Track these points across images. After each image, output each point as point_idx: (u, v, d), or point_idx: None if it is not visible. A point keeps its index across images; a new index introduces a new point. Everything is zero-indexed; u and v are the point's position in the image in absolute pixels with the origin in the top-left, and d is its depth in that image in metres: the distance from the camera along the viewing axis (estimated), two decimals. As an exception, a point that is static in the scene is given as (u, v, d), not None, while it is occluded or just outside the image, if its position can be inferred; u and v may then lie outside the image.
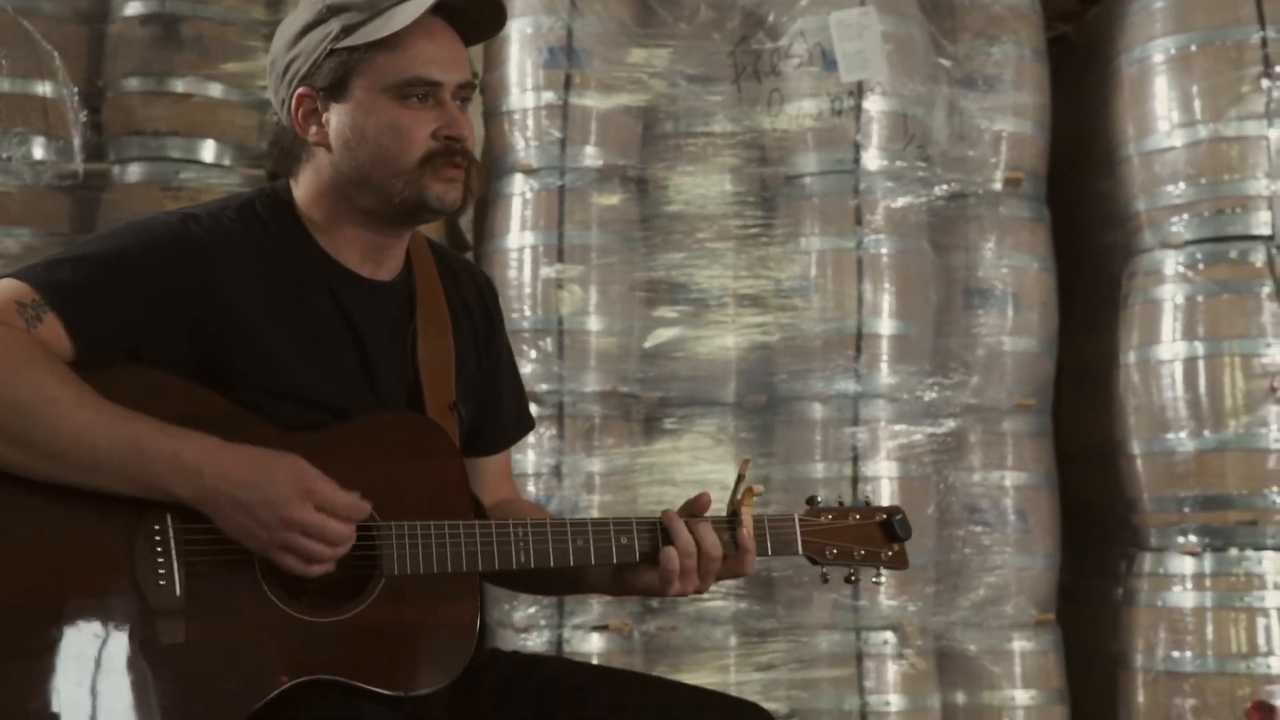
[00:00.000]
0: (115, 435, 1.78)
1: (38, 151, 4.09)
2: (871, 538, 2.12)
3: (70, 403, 1.78)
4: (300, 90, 2.00)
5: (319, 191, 2.04)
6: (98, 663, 1.78)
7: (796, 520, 2.10)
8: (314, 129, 2.01)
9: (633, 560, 2.01)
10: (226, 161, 4.15)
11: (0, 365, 1.77)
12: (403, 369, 2.07)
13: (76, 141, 4.13)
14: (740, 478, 2.06)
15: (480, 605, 1.97)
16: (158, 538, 1.81)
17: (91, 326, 1.85)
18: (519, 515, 2.14)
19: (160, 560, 1.81)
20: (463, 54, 2.04)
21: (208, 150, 4.15)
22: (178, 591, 1.81)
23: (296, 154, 2.05)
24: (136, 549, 1.81)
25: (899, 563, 2.13)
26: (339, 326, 2.01)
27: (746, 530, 2.03)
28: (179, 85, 4.12)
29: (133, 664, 1.79)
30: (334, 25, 1.97)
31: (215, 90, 4.13)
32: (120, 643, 1.79)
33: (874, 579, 2.14)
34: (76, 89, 4.14)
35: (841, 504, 2.14)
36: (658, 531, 2.01)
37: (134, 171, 4.15)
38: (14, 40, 4.05)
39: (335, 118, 1.99)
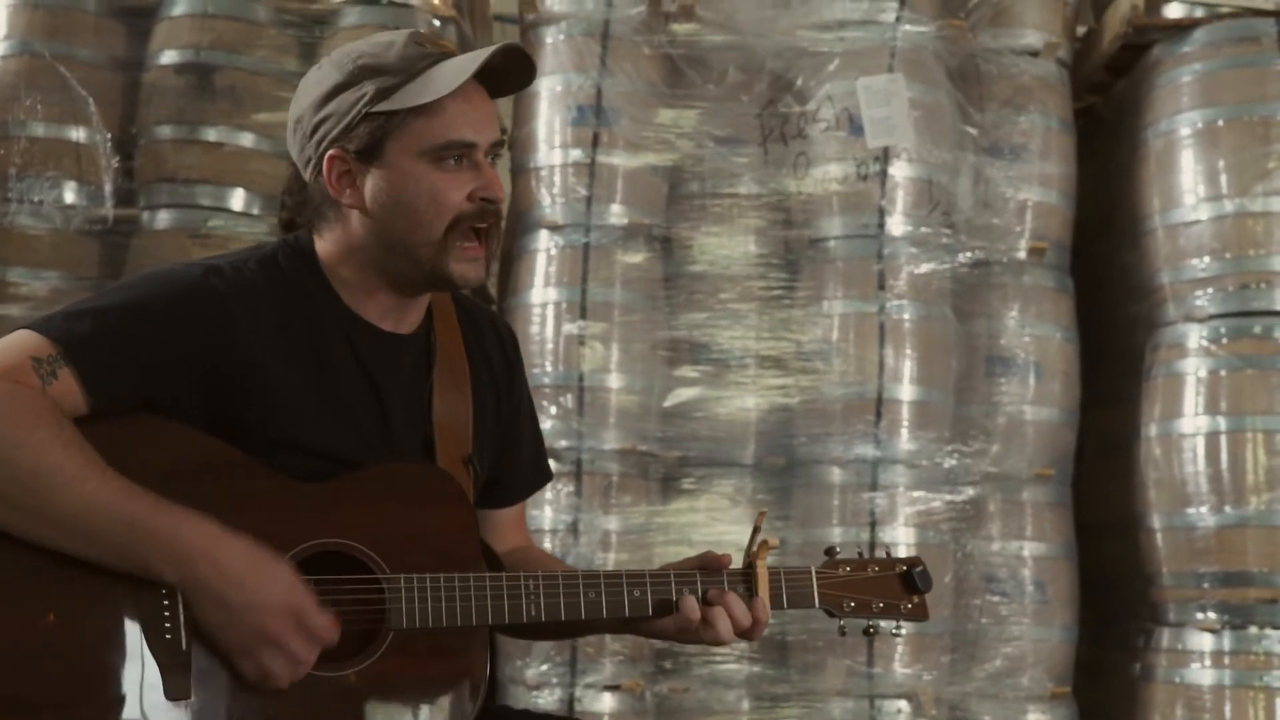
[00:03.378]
0: (114, 509, 1.77)
1: (69, 196, 4.13)
2: (890, 590, 2.09)
3: (73, 471, 1.77)
4: (332, 152, 1.98)
5: (347, 250, 2.02)
6: (101, 717, 1.77)
7: (813, 573, 2.08)
8: (348, 192, 1.99)
9: (645, 614, 2.01)
10: (255, 210, 4.19)
11: (7, 426, 1.76)
12: (419, 422, 2.06)
13: (108, 187, 4.17)
14: (756, 530, 2.04)
15: (490, 658, 1.95)
16: (164, 591, 1.81)
17: (108, 381, 1.85)
18: (532, 565, 2.13)
19: (166, 614, 1.80)
20: (494, 112, 2.03)
21: (237, 199, 4.19)
22: (184, 646, 1.80)
23: (324, 212, 2.03)
24: (143, 604, 1.80)
25: (919, 614, 2.09)
26: (357, 379, 2.01)
27: (762, 600, 2.02)
28: (211, 134, 4.17)
29: (139, 719, 1.78)
30: (368, 88, 1.95)
31: (247, 140, 4.18)
32: (126, 698, 1.78)
33: (893, 631, 2.11)
34: (110, 135, 4.19)
35: (860, 555, 2.11)
36: (671, 585, 2.00)
37: (164, 218, 4.19)
38: (50, 85, 4.11)
39: (370, 181, 1.97)
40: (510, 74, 2.04)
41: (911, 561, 2.11)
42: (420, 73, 1.96)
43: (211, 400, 1.91)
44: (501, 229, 2.04)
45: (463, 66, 1.95)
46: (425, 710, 1.89)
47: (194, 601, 1.79)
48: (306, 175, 2.04)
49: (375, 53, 1.98)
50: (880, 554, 2.15)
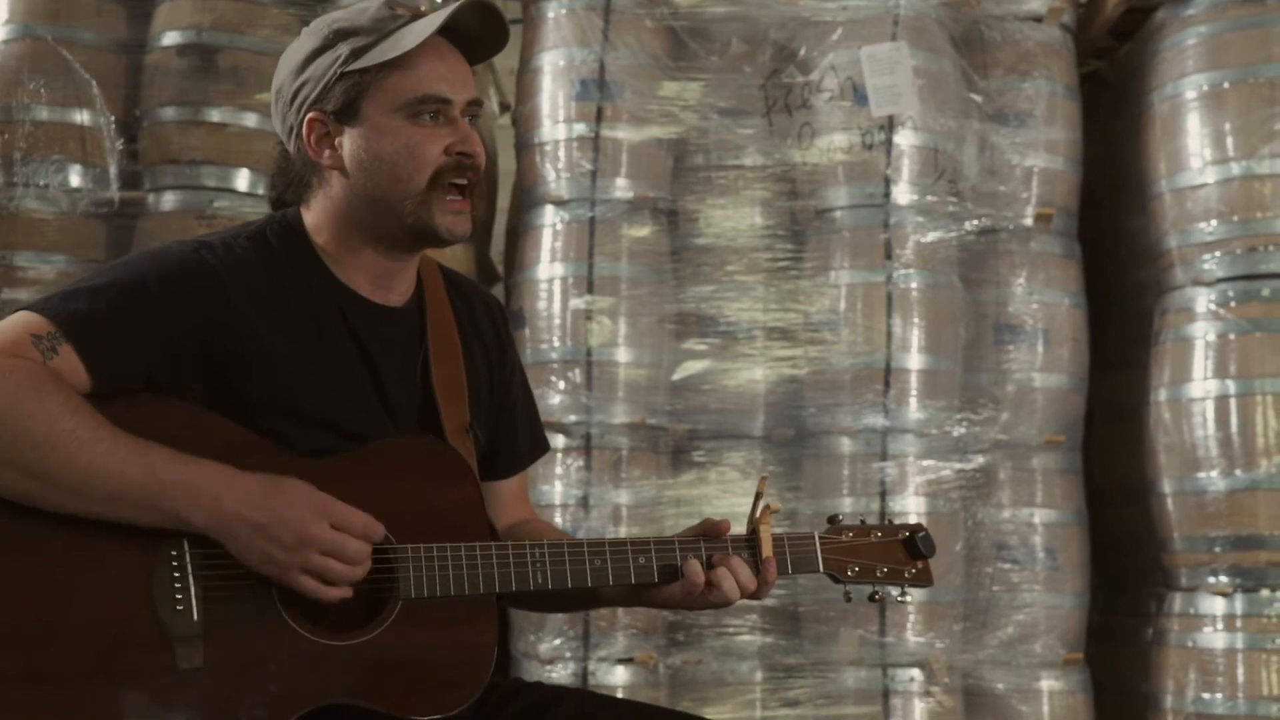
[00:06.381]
0: (131, 466, 1.79)
1: (74, 179, 4.14)
2: (894, 555, 2.10)
3: (86, 435, 1.79)
4: (311, 115, 2.02)
5: (331, 216, 2.05)
6: (116, 688, 1.79)
7: (817, 538, 2.09)
8: (327, 153, 2.03)
9: (650, 581, 2.02)
10: (260, 191, 4.18)
11: (15, 398, 1.78)
12: (414, 392, 2.07)
13: (113, 169, 4.18)
14: (758, 495, 2.05)
15: (499, 626, 1.96)
16: (175, 563, 1.82)
17: (108, 356, 1.86)
18: (536, 536, 2.14)
19: (178, 585, 1.82)
20: (469, 73, 2.06)
21: (242, 179, 4.19)
22: (195, 616, 1.82)
23: (307, 180, 2.06)
24: (154, 575, 1.82)
25: (923, 580, 2.11)
26: (351, 351, 2.02)
27: (771, 570, 2.03)
28: (214, 115, 4.17)
29: (151, 689, 1.79)
30: (342, 49, 1.99)
31: (250, 120, 4.18)
32: (138, 668, 1.79)
33: (899, 598, 2.12)
34: (113, 117, 4.19)
35: (863, 522, 2.13)
36: (675, 551, 2.01)
37: (169, 200, 4.19)
38: (53, 69, 4.11)
39: (348, 140, 2.01)
40: (484, 40, 2.07)
41: (914, 528, 2.12)
42: (392, 32, 2.00)
43: (211, 374, 1.92)
44: (484, 189, 2.06)
45: (432, 21, 1.99)
46: (436, 677, 1.90)
47: (228, 540, 1.81)
48: (290, 145, 2.07)
49: (349, 17, 2.03)
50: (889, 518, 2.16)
